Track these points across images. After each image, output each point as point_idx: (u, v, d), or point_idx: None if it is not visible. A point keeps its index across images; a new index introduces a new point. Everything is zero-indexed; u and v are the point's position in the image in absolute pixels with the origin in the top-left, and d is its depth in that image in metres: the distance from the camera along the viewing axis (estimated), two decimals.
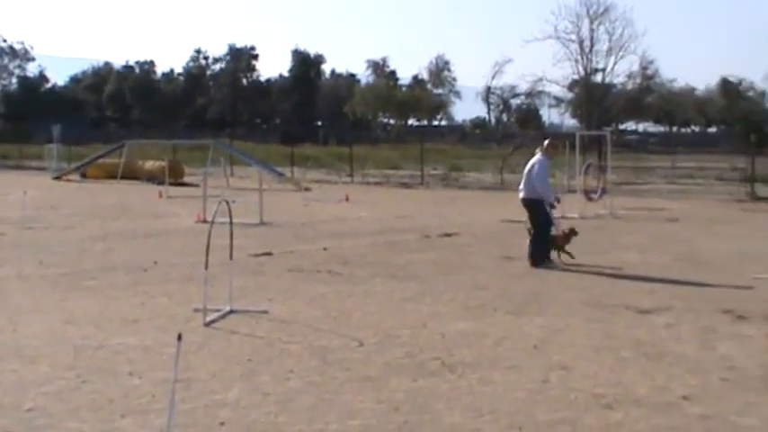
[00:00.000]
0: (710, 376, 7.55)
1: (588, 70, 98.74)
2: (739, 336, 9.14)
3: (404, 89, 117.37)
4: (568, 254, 14.35)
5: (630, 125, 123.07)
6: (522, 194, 14.54)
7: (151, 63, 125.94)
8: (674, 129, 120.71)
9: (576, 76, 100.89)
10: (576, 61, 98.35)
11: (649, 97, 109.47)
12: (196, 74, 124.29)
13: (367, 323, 9.63)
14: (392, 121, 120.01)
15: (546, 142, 14.83)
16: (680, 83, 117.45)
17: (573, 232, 14.60)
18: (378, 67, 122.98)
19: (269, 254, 15.24)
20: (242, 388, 7.13)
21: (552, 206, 14.46)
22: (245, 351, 8.32)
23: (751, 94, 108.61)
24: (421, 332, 9.21)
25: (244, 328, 9.26)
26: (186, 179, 39.45)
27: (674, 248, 16.52)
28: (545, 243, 14.22)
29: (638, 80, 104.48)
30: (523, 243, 14.53)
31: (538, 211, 14.30)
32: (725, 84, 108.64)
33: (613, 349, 8.50)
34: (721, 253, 15.90)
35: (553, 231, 14.39)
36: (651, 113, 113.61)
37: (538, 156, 14.53)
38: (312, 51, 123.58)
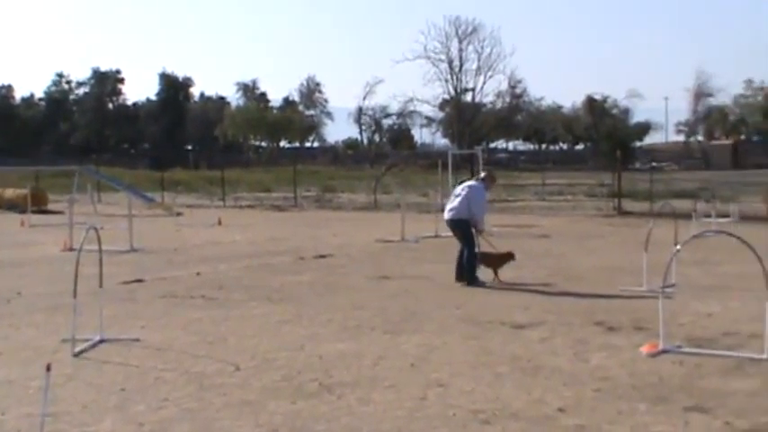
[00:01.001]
0: (584, 388, 7.75)
1: (458, 90, 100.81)
2: (610, 347, 9.42)
3: (275, 111, 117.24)
4: (496, 275, 14.53)
5: (501, 143, 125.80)
6: (448, 216, 14.64)
7: (9, 87, 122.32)
8: (543, 146, 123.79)
9: (446, 96, 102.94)
10: (447, 81, 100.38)
11: (518, 116, 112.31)
12: (58, 98, 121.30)
13: (243, 347, 9.54)
14: (264, 144, 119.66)
15: (484, 173, 15.19)
16: (547, 101, 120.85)
17: (510, 256, 14.78)
18: (248, 90, 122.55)
19: (140, 281, 14.95)
20: (115, 419, 6.97)
21: (480, 231, 14.67)
22: (118, 380, 8.13)
23: (615, 111, 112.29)
24: (298, 354, 9.18)
25: (116, 358, 9.06)
26: (51, 206, 38.37)
27: (546, 264, 16.93)
28: (474, 262, 14.39)
29: (508, 99, 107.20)
30: (398, 262, 14.62)
31: (465, 230, 14.45)
32: (590, 102, 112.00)
33: (490, 365, 8.64)
34: (591, 267, 16.39)
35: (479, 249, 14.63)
36: (520, 132, 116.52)
37: (474, 182, 14.84)
38: (180, 74, 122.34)
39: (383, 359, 8.94)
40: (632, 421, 6.78)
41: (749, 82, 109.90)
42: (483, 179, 14.91)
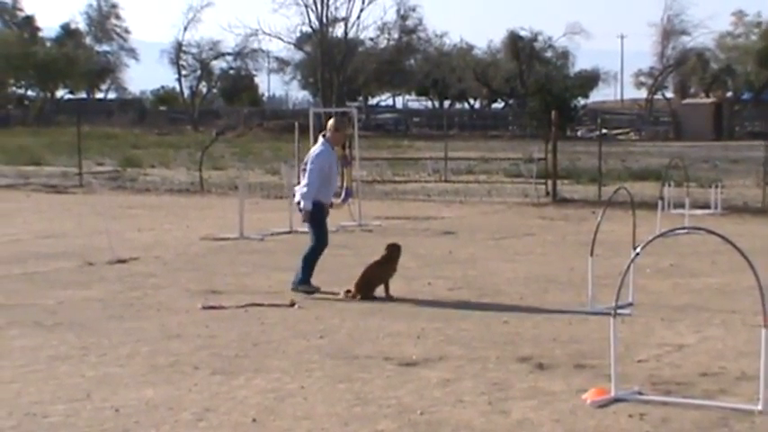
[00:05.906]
0: None
1: (324, 20, 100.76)
2: (540, 393, 9.55)
3: (48, 45, 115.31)
4: (387, 291, 14.66)
5: (386, 99, 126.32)
6: (297, 197, 15.13)
7: None
8: (446, 104, 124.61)
9: (306, 28, 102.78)
10: (307, 7, 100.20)
11: (411, 59, 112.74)
12: None
13: None
14: (31, 93, 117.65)
15: (330, 123, 15.21)
16: (453, 39, 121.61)
17: (392, 254, 14.86)
18: (6, 12, 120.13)
19: None
20: None
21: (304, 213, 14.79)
22: None
23: (549, 54, 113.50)
24: (83, 406, 9.07)
25: None
26: None
27: (449, 273, 17.07)
28: (313, 262, 14.62)
29: (396, 35, 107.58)
30: (235, 270, 14.48)
31: (314, 218, 14.83)
32: (514, 41, 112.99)
33: (367, 419, 8.68)
34: (514, 278, 16.59)
35: None
36: (413, 83, 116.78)
37: (318, 144, 15.19)
38: None
39: (211, 411, 8.90)
40: None
41: (739, 14, 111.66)
42: (324, 136, 15.18)
